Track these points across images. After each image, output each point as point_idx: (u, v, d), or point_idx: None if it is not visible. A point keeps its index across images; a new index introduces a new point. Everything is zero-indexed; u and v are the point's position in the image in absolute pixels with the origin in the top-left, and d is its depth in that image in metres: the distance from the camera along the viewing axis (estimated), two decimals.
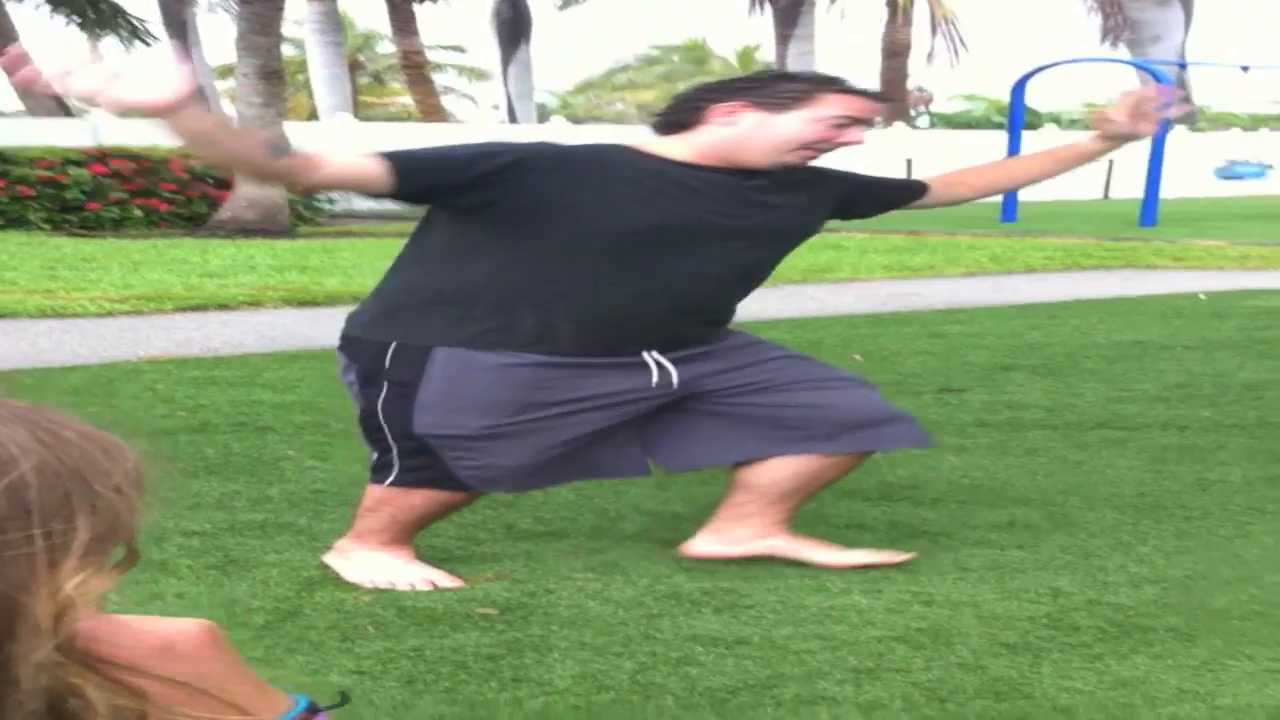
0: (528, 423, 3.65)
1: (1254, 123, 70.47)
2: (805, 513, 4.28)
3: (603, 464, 3.92)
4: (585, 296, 3.63)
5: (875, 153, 35.87)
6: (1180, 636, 3.45)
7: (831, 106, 3.73)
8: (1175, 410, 6.47)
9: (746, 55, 66.14)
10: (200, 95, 3.15)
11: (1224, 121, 68.64)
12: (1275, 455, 5.50)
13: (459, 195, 3.57)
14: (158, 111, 3.03)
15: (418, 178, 3.50)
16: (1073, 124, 60.69)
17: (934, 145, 36.72)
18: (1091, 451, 5.57)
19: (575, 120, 45.59)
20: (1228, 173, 36.11)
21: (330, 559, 3.89)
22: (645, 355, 3.71)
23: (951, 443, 5.62)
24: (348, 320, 3.81)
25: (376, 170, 3.40)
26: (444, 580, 3.80)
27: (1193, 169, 34.58)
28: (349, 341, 3.78)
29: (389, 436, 3.69)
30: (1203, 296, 11.48)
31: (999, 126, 37.64)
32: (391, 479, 3.74)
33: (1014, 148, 22.91)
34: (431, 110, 38.20)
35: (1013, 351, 8.39)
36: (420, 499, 3.77)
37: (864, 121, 3.80)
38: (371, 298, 3.86)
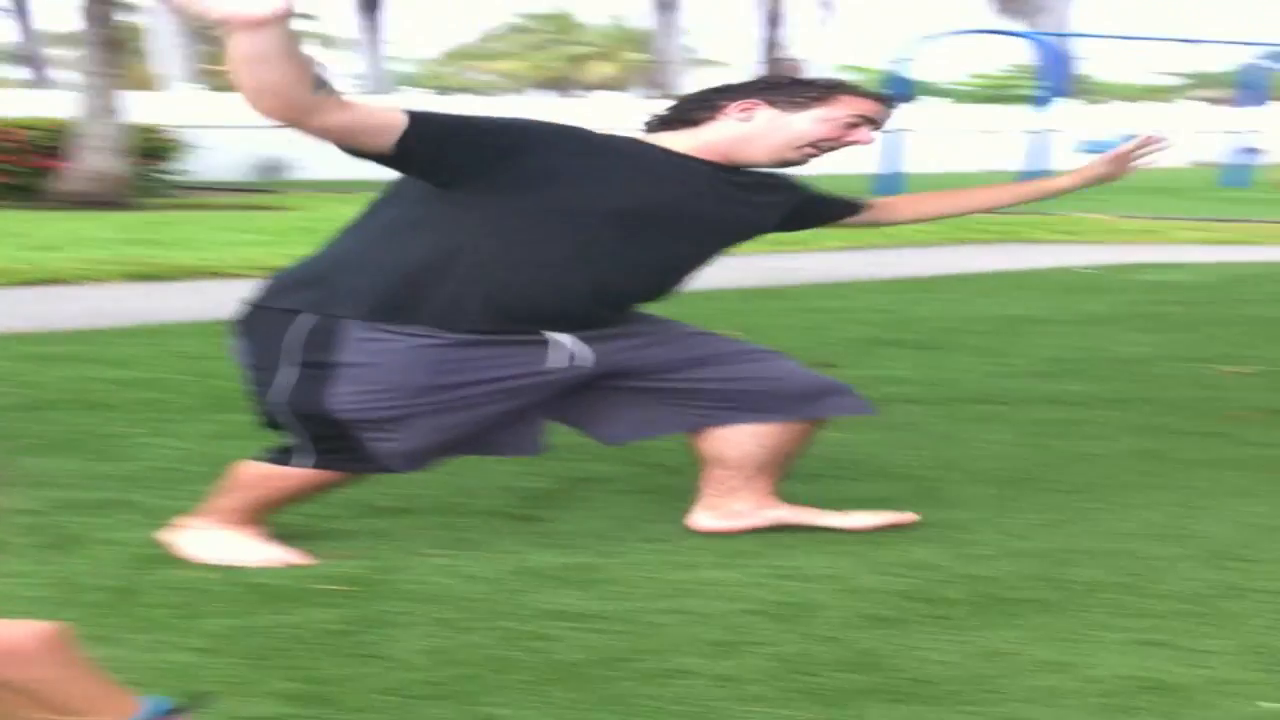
0: (443, 402, 3.67)
1: (1139, 94, 71.57)
2: (681, 488, 4.35)
3: (503, 442, 3.95)
4: (542, 274, 3.65)
5: None
6: (1048, 608, 3.53)
7: (843, 108, 3.88)
8: (1053, 385, 6.60)
9: (617, 26, 66.30)
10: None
11: (1110, 93, 69.69)
12: (1150, 429, 5.63)
13: (462, 156, 3.55)
14: (264, 23, 3.04)
15: (433, 127, 3.49)
16: (960, 95, 61.42)
17: None
18: (966, 426, 5.68)
19: (441, 91, 45.44)
20: (1090, 148, 36.67)
21: (173, 536, 3.88)
22: (561, 336, 3.74)
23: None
24: (256, 291, 3.79)
25: (399, 120, 3.40)
26: (294, 557, 3.81)
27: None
28: (254, 311, 3.74)
29: (303, 421, 3.68)
30: (1084, 270, 11.68)
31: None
32: (313, 462, 3.73)
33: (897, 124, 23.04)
34: None
35: (890, 326, 8.51)
36: (304, 478, 3.77)
37: (874, 122, 3.95)
38: (292, 268, 3.83)
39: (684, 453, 4.67)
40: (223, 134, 24.39)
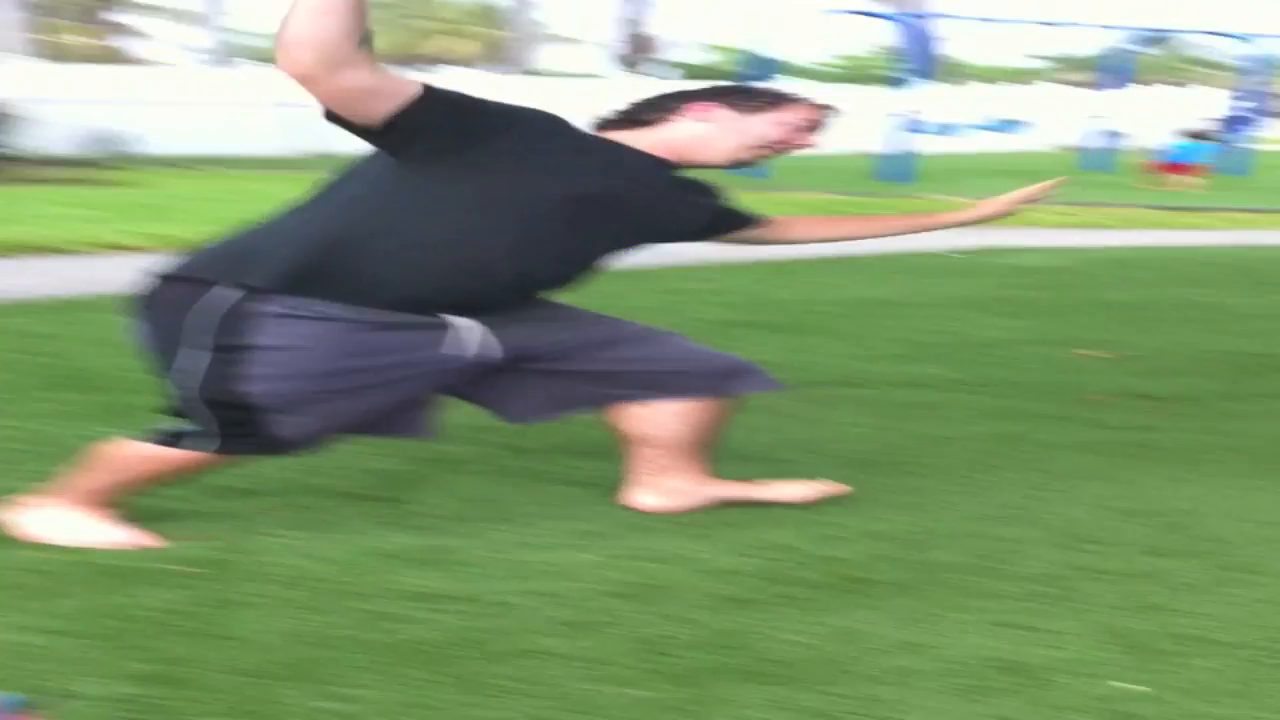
0: (355, 385, 3.71)
1: (1005, 76, 72.52)
2: (533, 469, 4.44)
3: (398, 423, 3.99)
4: (474, 261, 3.71)
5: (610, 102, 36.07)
6: (903, 590, 3.64)
7: (797, 113, 4.09)
8: (914, 367, 6.75)
9: (473, 1, 66.09)
10: None
11: (974, 75, 70.52)
12: (1009, 412, 5.79)
13: (453, 129, 3.61)
14: None
15: (444, 99, 3.55)
16: (824, 76, 61.87)
17: None
18: (826, 408, 5.80)
19: None
20: (912, 128, 37.04)
21: (14, 515, 3.89)
22: (470, 322, 3.80)
23: None
24: (165, 264, 3.78)
25: (412, 88, 3.47)
26: (144, 539, 3.83)
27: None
28: (161, 285, 3.71)
29: (212, 407, 3.68)
30: (944, 254, 11.88)
31: (751, 77, 38.14)
32: (216, 447, 3.74)
33: None
34: (109, 51, 37.51)
35: (749, 308, 8.63)
36: (187, 461, 3.79)
37: (820, 127, 4.16)
38: (214, 242, 3.83)
39: (535, 435, 4.78)
40: (58, 107, 24.12)
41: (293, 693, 2.93)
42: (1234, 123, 30.72)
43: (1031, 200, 4.55)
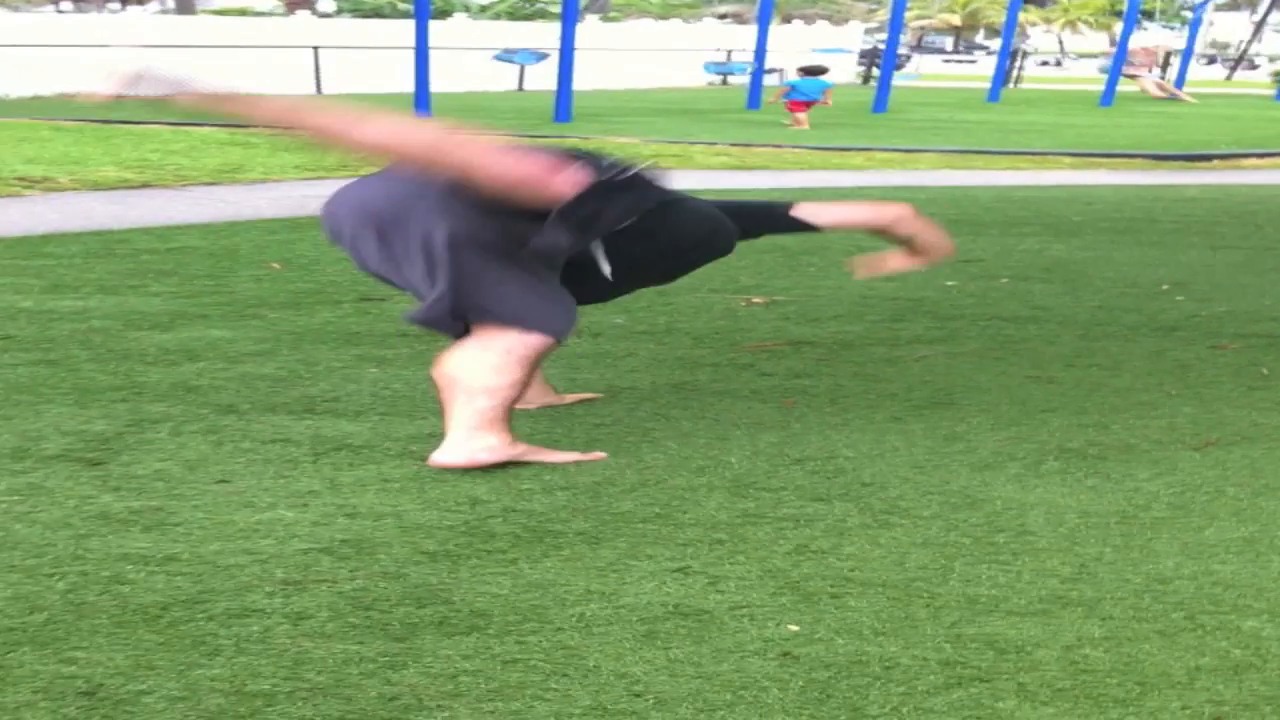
0: None
1: (662, 9, 73.32)
2: (241, 428, 4.56)
3: None
4: None
5: (282, 42, 35.35)
6: (588, 540, 3.86)
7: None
8: (588, 318, 6.93)
9: None
10: None
11: (635, 8, 71.15)
12: (682, 362, 6.03)
13: None
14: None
15: None
16: (483, 10, 61.72)
17: (342, 34, 36.97)
18: None
19: None
20: (505, 58, 37.34)
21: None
22: None
23: (373, 354, 5.97)
24: None
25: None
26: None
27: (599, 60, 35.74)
28: None
29: None
30: None
31: (406, 15, 38.10)
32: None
33: (420, 36, 23.27)
34: None
35: None
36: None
37: None
38: None
39: (245, 392, 4.88)
40: None
41: (22, 659, 3.04)
42: (872, 57, 31.58)
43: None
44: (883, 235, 5.08)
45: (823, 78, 25.56)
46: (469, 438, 4.40)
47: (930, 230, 5.05)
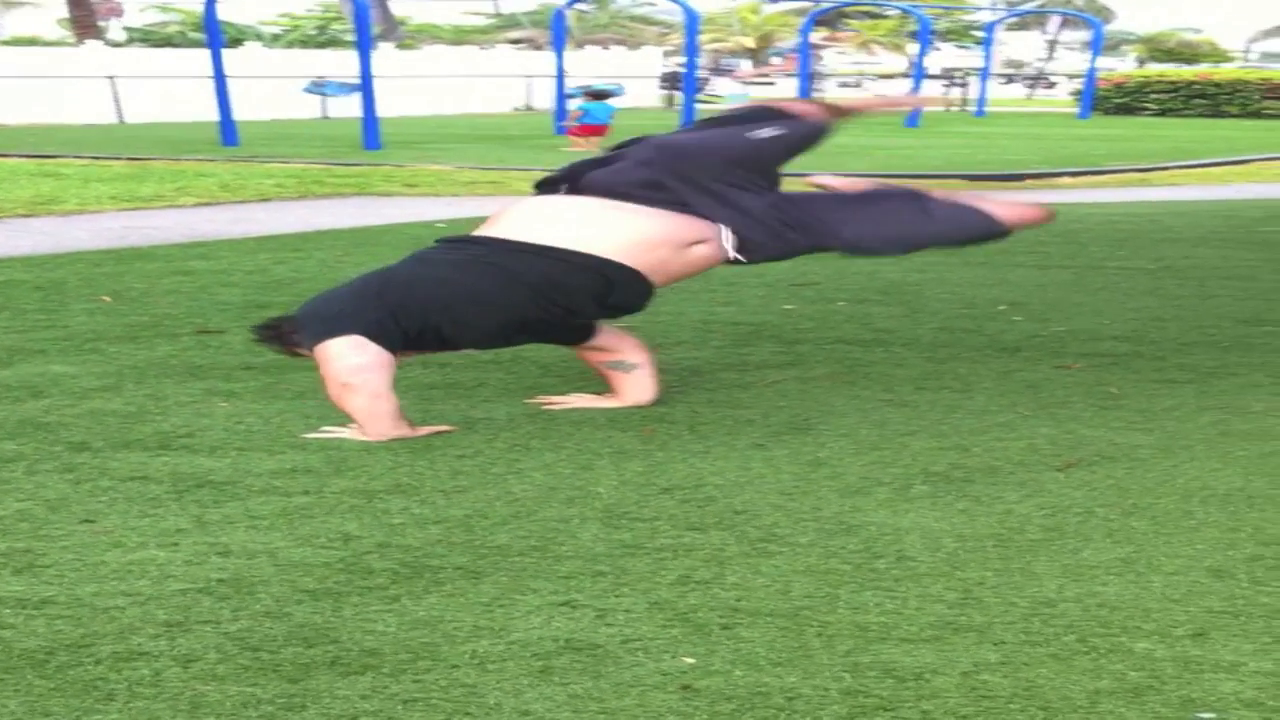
0: None
1: (454, 35, 73.44)
2: (94, 465, 4.48)
3: None
4: None
5: (76, 71, 34.78)
6: (468, 575, 3.84)
7: None
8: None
9: None
10: None
11: (429, 34, 71.23)
12: (534, 390, 6.01)
13: None
14: None
15: None
16: (275, 39, 61.37)
17: (136, 63, 36.60)
18: None
19: None
20: (316, 89, 37.64)
21: None
22: None
23: (220, 387, 5.89)
24: None
25: None
26: None
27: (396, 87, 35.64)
28: None
29: None
30: (440, 225, 12.09)
31: (198, 44, 37.92)
32: None
33: (217, 65, 23.19)
34: None
35: (264, 288, 8.67)
36: None
37: None
38: None
39: (96, 429, 4.80)
40: None
41: None
42: (676, 80, 31.72)
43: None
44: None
45: (609, 101, 25.80)
46: None
47: None
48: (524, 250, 5.36)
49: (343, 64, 30.04)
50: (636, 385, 5.71)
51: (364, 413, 5.08)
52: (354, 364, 5.02)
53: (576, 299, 5.39)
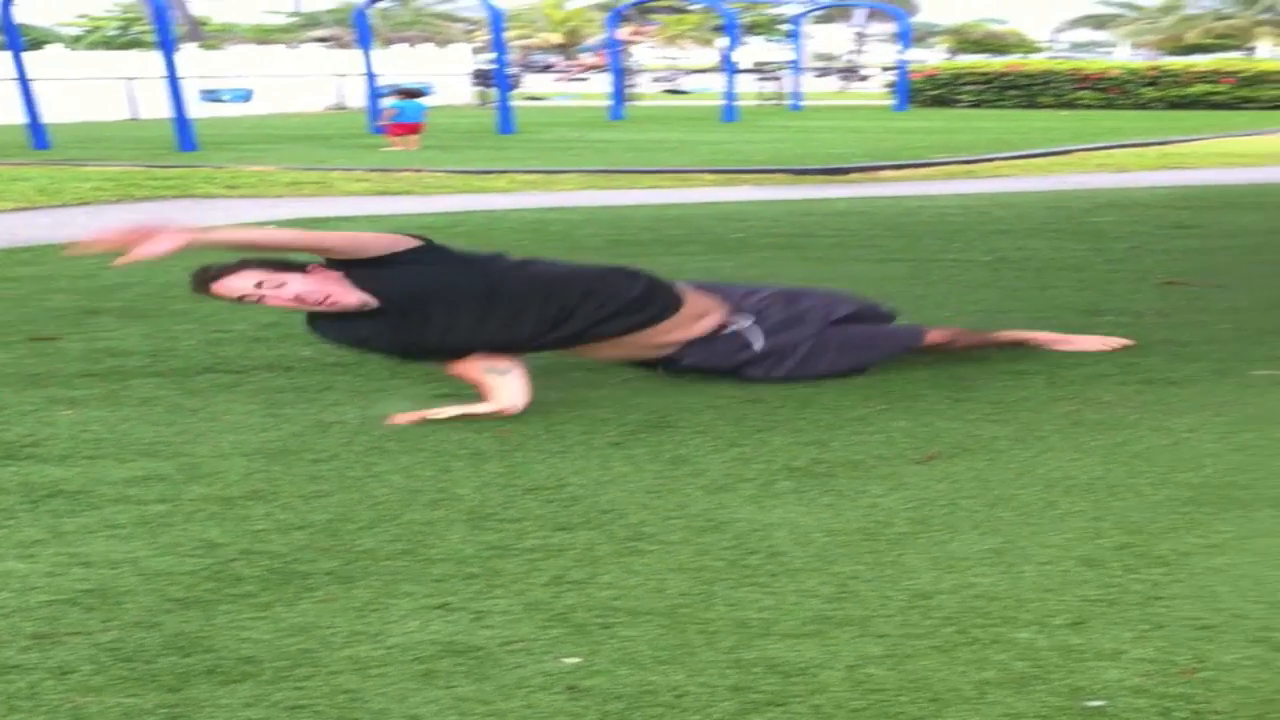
0: None
1: (257, 34, 72.96)
2: None
3: None
4: None
5: None
6: (339, 580, 3.82)
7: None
8: (276, 350, 6.85)
9: None
10: None
11: (231, 33, 70.71)
12: (383, 392, 5.98)
13: None
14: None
15: None
16: (76, 40, 60.46)
17: None
18: (205, 397, 5.89)
19: None
20: (210, 96, 37.65)
21: None
22: None
23: (62, 395, 5.80)
24: None
25: None
26: None
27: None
28: None
29: None
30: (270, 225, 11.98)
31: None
32: None
33: (20, 69, 22.88)
34: None
35: (93, 294, 8.54)
36: None
37: None
38: None
39: None
40: None
41: None
42: (488, 77, 31.71)
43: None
44: None
45: (419, 100, 25.82)
46: None
47: None
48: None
49: (149, 64, 29.64)
50: (509, 389, 5.67)
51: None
52: None
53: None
